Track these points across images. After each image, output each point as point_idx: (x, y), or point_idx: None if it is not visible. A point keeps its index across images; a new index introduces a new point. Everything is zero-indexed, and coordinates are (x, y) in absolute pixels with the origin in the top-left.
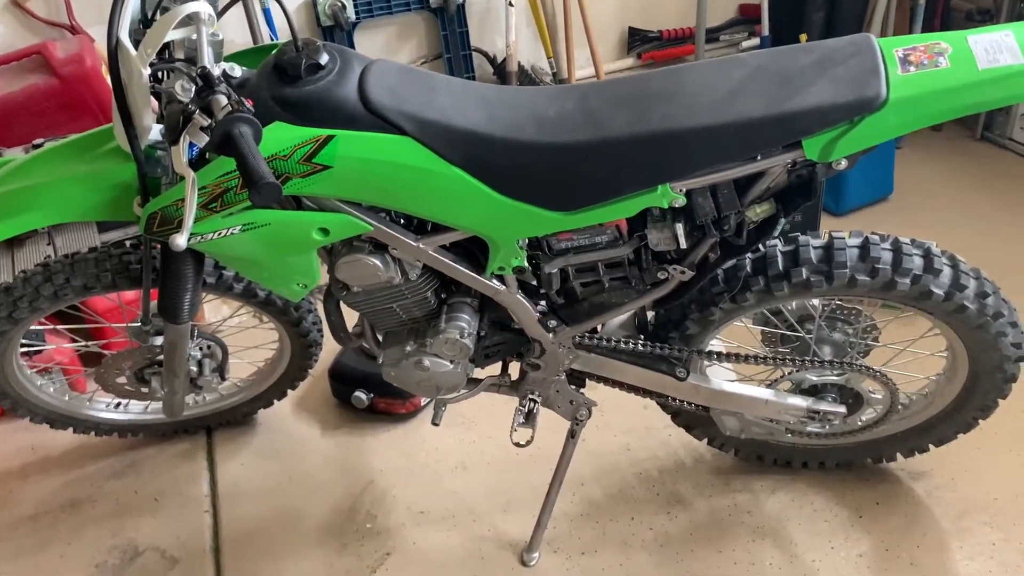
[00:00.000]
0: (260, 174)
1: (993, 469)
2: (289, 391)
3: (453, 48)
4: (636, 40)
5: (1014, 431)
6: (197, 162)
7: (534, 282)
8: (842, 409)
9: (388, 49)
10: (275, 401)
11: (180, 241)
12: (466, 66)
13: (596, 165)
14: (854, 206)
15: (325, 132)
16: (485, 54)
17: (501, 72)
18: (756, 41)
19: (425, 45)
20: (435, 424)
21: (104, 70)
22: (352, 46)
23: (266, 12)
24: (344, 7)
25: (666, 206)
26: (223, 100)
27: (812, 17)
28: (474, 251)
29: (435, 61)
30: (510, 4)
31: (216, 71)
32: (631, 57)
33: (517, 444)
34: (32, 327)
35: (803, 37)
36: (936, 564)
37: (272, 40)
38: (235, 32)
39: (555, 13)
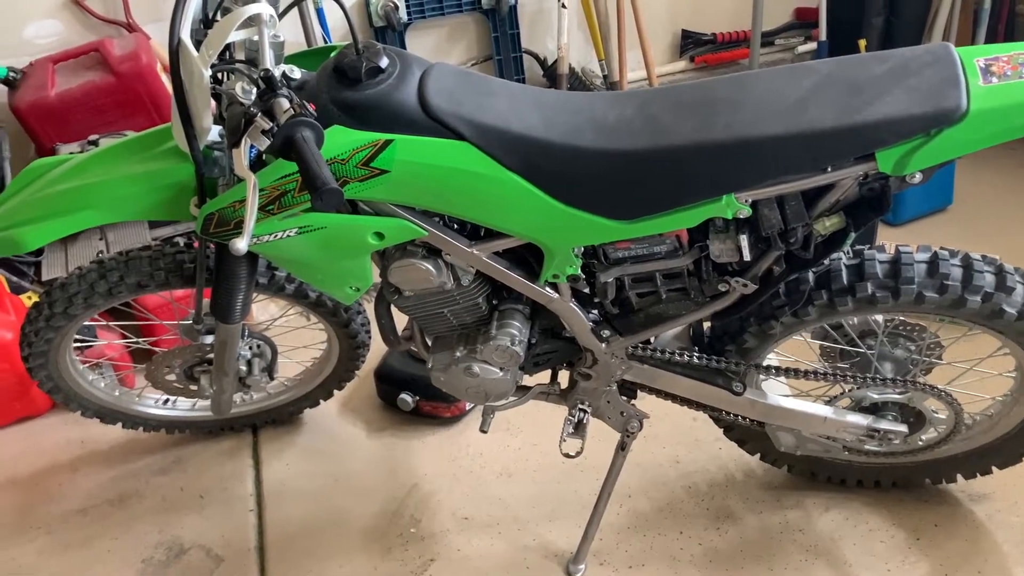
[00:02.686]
0: (323, 180)
1: None
2: (335, 391)
3: (504, 50)
4: (689, 43)
5: None
6: (254, 164)
7: (588, 291)
8: (903, 428)
9: (439, 50)
10: (321, 401)
11: (241, 245)
12: (516, 68)
13: (658, 173)
14: (912, 216)
15: (384, 136)
16: (536, 56)
17: (551, 75)
18: (813, 46)
19: (476, 47)
20: (483, 431)
21: (160, 68)
22: (403, 47)
23: (319, 12)
24: (396, 8)
25: (730, 217)
26: (285, 103)
27: (871, 22)
28: (528, 258)
29: (485, 63)
30: (563, 6)
31: (277, 73)
32: (683, 60)
33: (567, 455)
34: (85, 323)
35: (862, 43)
36: None
37: (325, 40)
38: (288, 32)
39: (608, 15)
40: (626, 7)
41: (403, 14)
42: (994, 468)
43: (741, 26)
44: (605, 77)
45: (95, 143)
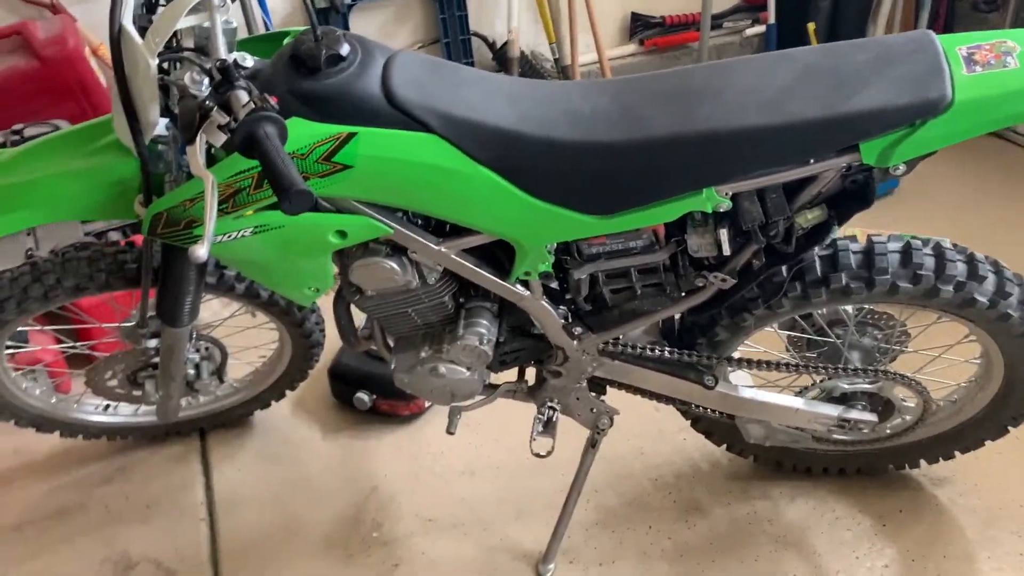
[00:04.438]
0: (290, 180)
1: (1018, 475)
2: (288, 392)
3: (452, 32)
4: (639, 26)
5: None
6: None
7: (559, 287)
8: (873, 417)
9: (384, 33)
10: (273, 402)
11: (201, 252)
12: (464, 51)
13: (635, 166)
14: None
15: (346, 129)
16: (484, 39)
17: (501, 58)
18: (762, 28)
19: (422, 29)
20: (450, 433)
21: (88, 52)
22: (347, 28)
23: None
24: None
25: (710, 211)
26: (244, 96)
27: (818, 5)
28: (497, 254)
29: (433, 46)
30: None
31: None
32: (633, 43)
33: (537, 455)
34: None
35: (811, 26)
36: (964, 574)
37: (265, 24)
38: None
39: None
40: None
41: None
42: (956, 453)
43: (690, 9)
44: (556, 61)
45: (19, 132)
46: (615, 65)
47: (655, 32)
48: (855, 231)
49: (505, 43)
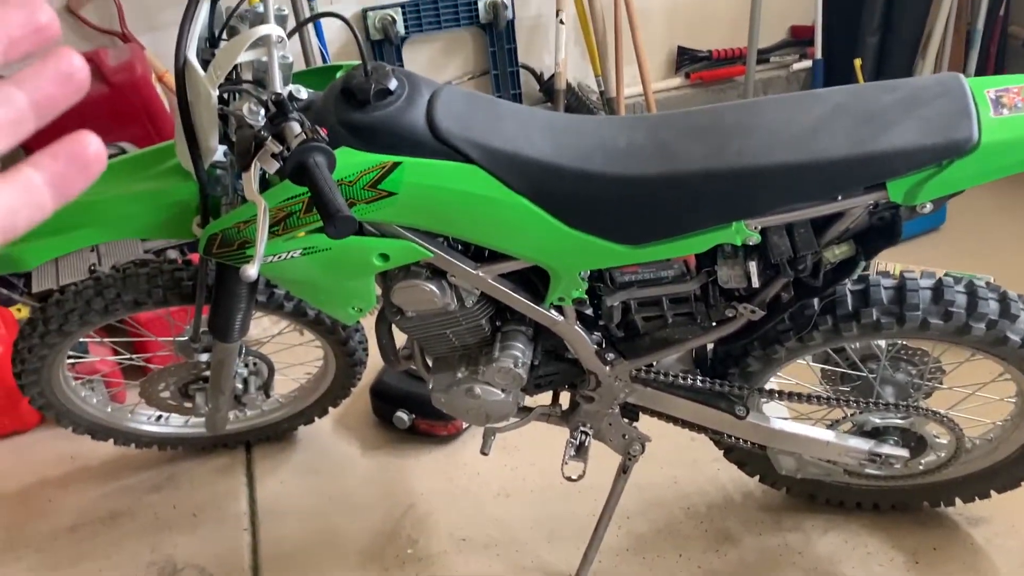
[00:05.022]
0: (336, 207)
1: None
2: (331, 408)
3: (500, 64)
4: (685, 59)
5: None
6: (259, 184)
7: (593, 313)
8: (905, 453)
9: (435, 64)
10: (316, 418)
11: (252, 272)
12: (513, 83)
13: (667, 199)
14: (906, 236)
15: (392, 158)
16: (532, 71)
17: (548, 90)
18: (808, 63)
19: (472, 61)
20: (484, 453)
21: (155, 78)
22: (400, 60)
23: (317, 27)
24: (394, 21)
25: (739, 243)
26: (296, 127)
27: (866, 40)
28: (533, 280)
29: (482, 77)
30: (561, 22)
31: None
32: (679, 76)
33: (568, 478)
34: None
35: (857, 62)
36: None
37: (323, 56)
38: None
39: (605, 31)
40: (623, 23)
41: (400, 28)
42: (992, 492)
43: (737, 43)
44: (602, 93)
45: None
46: (660, 98)
47: (701, 66)
48: (897, 267)
49: (552, 75)
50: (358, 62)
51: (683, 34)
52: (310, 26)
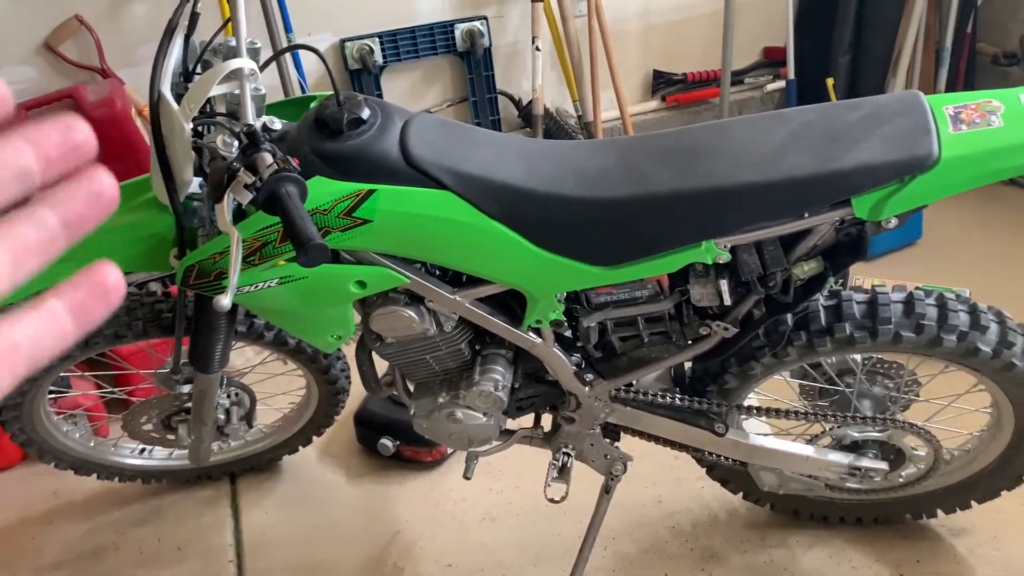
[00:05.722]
0: (308, 235)
1: None
2: (315, 437)
3: (479, 91)
4: (661, 83)
5: None
6: (234, 215)
7: (570, 335)
8: (884, 466)
9: (414, 92)
10: (300, 447)
11: (225, 302)
12: (491, 109)
13: (638, 220)
14: (883, 251)
15: (366, 186)
16: (510, 97)
17: (526, 115)
18: (782, 84)
19: (451, 88)
20: (467, 478)
21: (135, 113)
22: (379, 89)
23: (295, 57)
24: (372, 51)
25: (710, 262)
26: (268, 158)
27: (838, 60)
28: (510, 303)
29: (460, 104)
30: (537, 48)
31: (258, 126)
32: (655, 100)
33: (551, 500)
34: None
35: (829, 81)
36: None
37: (301, 86)
38: (264, 77)
39: (581, 56)
40: (598, 49)
41: (378, 57)
42: (973, 503)
43: (711, 66)
44: (579, 117)
45: None
46: (637, 121)
47: (677, 89)
48: (873, 282)
49: (530, 101)
50: (331, 93)
51: (658, 58)
52: (288, 58)
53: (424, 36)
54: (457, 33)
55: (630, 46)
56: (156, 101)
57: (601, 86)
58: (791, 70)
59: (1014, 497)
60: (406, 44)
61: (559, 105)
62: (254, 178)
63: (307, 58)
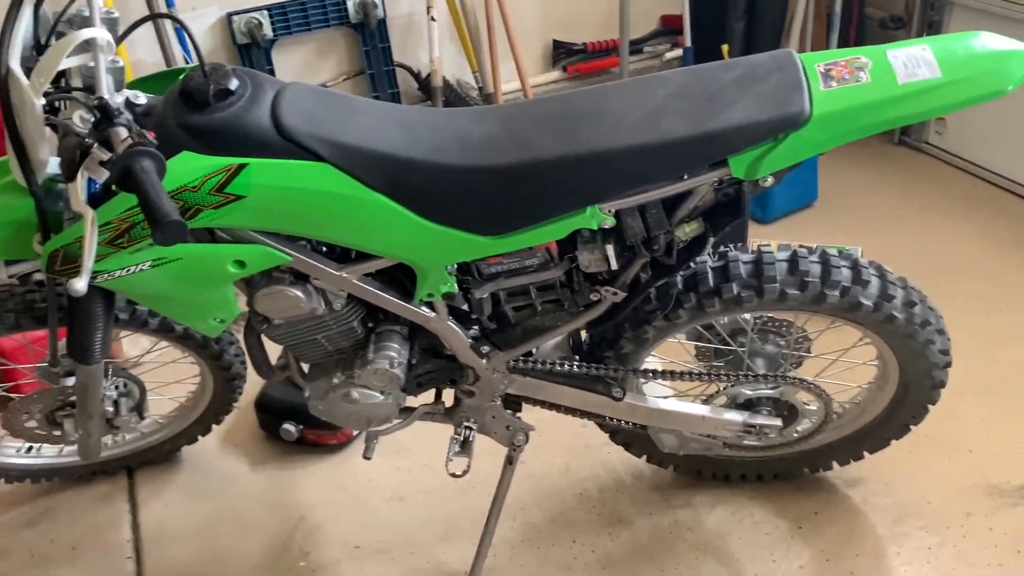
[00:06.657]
0: (163, 211)
1: (926, 473)
2: (214, 426)
3: (375, 64)
4: (561, 53)
5: (944, 435)
6: (101, 196)
7: (465, 307)
8: (777, 422)
9: (308, 66)
10: (199, 437)
11: (79, 286)
12: (390, 82)
13: (523, 188)
14: (780, 214)
15: (237, 161)
16: (409, 69)
17: (426, 87)
18: (679, 52)
19: (346, 61)
20: (367, 458)
21: None
22: (270, 64)
23: (178, 32)
24: (260, 24)
25: (595, 227)
26: (123, 132)
27: (733, 26)
28: (401, 278)
29: (357, 78)
30: (432, 19)
31: (118, 100)
32: (556, 70)
33: (453, 475)
34: None
35: (725, 48)
36: (874, 571)
37: (186, 60)
38: (146, 52)
39: (478, 27)
40: (496, 19)
41: (268, 30)
42: (865, 453)
43: (610, 35)
44: (480, 89)
45: None
46: (539, 92)
47: (577, 58)
48: (770, 244)
49: (429, 73)
50: (197, 64)
51: (558, 28)
52: (171, 32)
53: (315, 8)
54: (350, 4)
55: (528, 16)
56: (4, 75)
57: (501, 57)
58: (688, 38)
59: (902, 446)
60: (296, 17)
61: (460, 77)
62: (109, 154)
63: (198, 33)
